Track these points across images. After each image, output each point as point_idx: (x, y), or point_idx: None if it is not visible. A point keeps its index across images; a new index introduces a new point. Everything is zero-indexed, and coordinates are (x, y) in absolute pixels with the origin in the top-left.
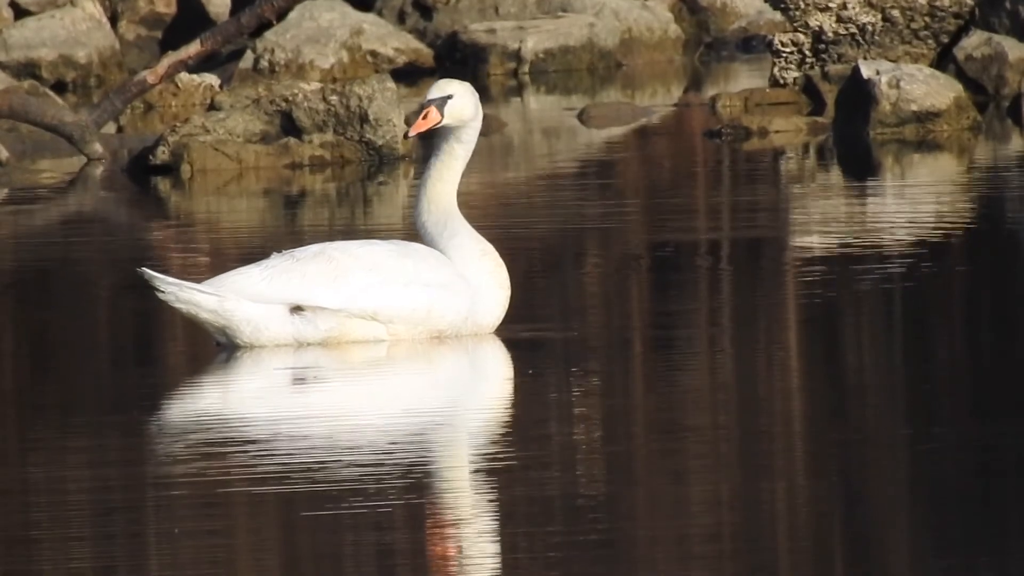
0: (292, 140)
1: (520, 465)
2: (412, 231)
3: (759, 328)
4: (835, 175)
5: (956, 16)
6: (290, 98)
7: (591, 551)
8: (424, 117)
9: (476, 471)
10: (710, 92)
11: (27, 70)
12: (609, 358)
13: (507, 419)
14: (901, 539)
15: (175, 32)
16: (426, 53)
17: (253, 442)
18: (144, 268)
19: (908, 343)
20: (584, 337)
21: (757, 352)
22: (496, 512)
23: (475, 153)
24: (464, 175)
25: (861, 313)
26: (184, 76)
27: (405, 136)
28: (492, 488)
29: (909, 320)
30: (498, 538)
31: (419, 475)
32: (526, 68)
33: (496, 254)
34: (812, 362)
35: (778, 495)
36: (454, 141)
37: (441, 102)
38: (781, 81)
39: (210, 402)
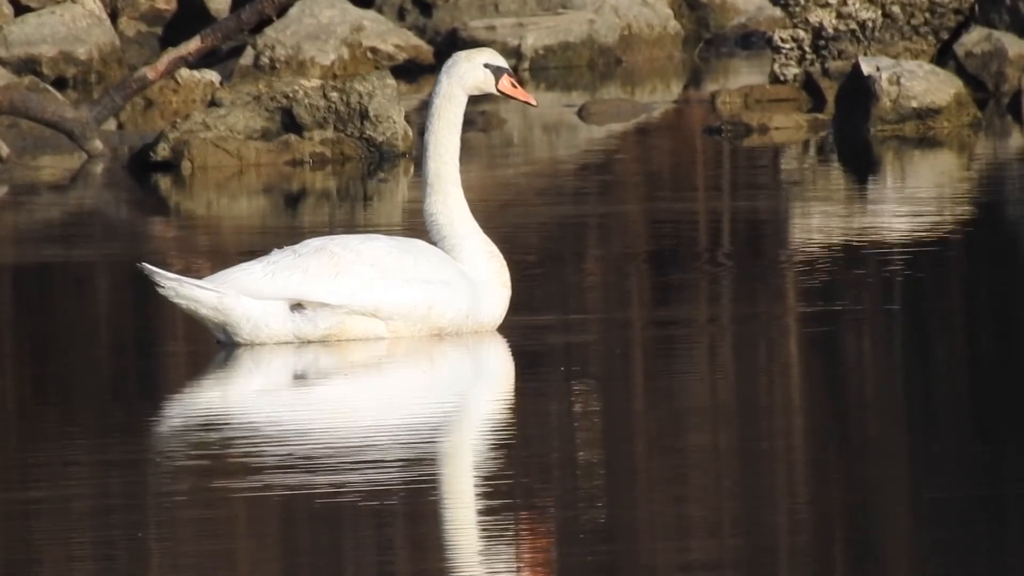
0: (292, 137)
1: (519, 484)
2: (411, 228)
3: (759, 328)
4: (835, 172)
5: (956, 12)
6: (290, 95)
7: (588, 569)
8: (515, 87)
9: (475, 480)
10: (710, 88)
11: (28, 66)
12: (608, 358)
13: (507, 425)
14: (903, 554)
15: (175, 28)
16: (426, 50)
17: (254, 452)
18: (144, 263)
19: (908, 344)
20: (583, 336)
21: (757, 352)
22: (495, 518)
23: (476, 150)
24: (464, 172)
25: (861, 312)
26: (184, 72)
27: (534, 105)
28: (492, 494)
29: (909, 320)
30: (498, 544)
31: (419, 482)
32: (526, 64)
33: (501, 257)
34: (812, 363)
35: (779, 510)
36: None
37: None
38: (781, 77)
39: (211, 405)
